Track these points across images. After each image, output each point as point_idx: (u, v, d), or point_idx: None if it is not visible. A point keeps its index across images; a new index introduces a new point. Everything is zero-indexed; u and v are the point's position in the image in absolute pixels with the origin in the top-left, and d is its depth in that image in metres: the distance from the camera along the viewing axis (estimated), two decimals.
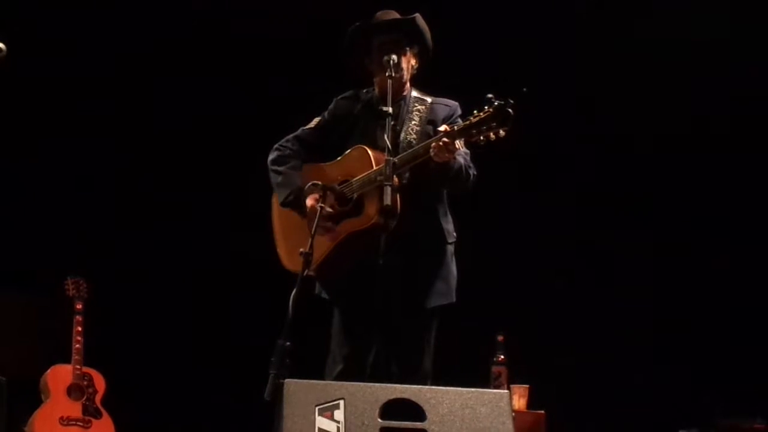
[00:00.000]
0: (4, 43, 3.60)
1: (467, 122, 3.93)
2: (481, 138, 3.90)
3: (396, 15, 4.29)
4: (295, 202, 4.25)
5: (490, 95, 3.88)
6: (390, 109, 4.03)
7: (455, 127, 3.96)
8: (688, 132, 6.10)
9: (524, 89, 3.85)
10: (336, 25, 4.52)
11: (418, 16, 4.27)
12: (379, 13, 4.30)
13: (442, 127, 4.00)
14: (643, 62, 6.13)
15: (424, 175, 4.14)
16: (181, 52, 6.50)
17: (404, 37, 4.24)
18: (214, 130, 6.54)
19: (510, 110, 3.84)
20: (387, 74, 4.10)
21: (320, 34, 5.75)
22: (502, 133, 3.87)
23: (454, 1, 6.01)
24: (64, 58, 6.37)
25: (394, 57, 4.13)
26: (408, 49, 4.25)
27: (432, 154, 3.96)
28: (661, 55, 6.10)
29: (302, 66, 6.35)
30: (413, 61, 4.29)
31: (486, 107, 3.89)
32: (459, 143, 3.98)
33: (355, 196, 4.14)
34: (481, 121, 3.89)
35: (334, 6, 5.84)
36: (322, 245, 4.12)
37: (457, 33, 5.59)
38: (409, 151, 4.08)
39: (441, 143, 3.92)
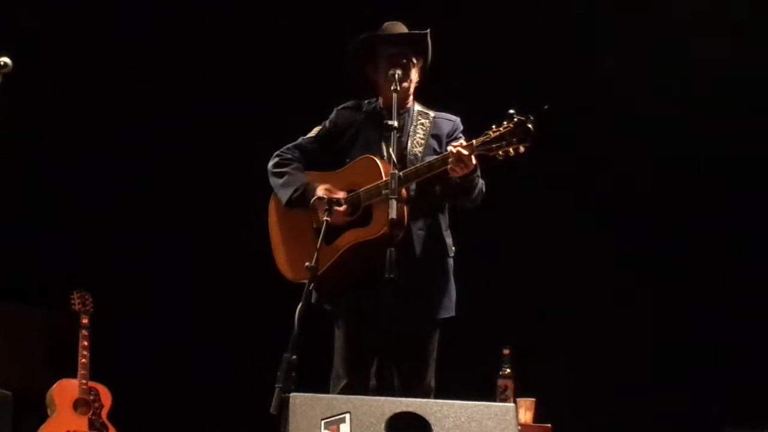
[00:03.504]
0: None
1: (486, 136, 3.94)
2: (500, 153, 3.91)
3: (403, 27, 4.30)
4: (300, 199, 4.23)
5: (511, 110, 3.89)
6: (395, 123, 4.03)
7: (474, 142, 3.97)
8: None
9: (546, 106, 3.85)
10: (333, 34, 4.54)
11: (428, 32, 4.28)
12: (387, 24, 4.31)
13: (458, 142, 4.00)
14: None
15: (431, 189, 4.17)
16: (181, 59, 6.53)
17: (412, 50, 4.26)
18: (219, 143, 6.55)
19: (530, 126, 3.85)
20: (392, 88, 4.10)
21: (318, 43, 5.81)
22: (522, 149, 3.89)
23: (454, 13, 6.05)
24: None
25: (399, 71, 4.13)
26: (414, 62, 4.26)
27: (449, 167, 3.96)
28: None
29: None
30: (417, 75, 4.29)
31: (506, 122, 3.90)
32: (474, 158, 3.97)
33: (363, 206, 4.14)
34: (501, 136, 3.90)
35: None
36: (326, 254, 4.09)
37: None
38: (412, 168, 4.09)
39: (458, 157, 3.93)
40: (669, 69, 6.09)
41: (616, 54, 6.09)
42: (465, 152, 3.93)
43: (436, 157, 4.12)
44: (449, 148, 4.04)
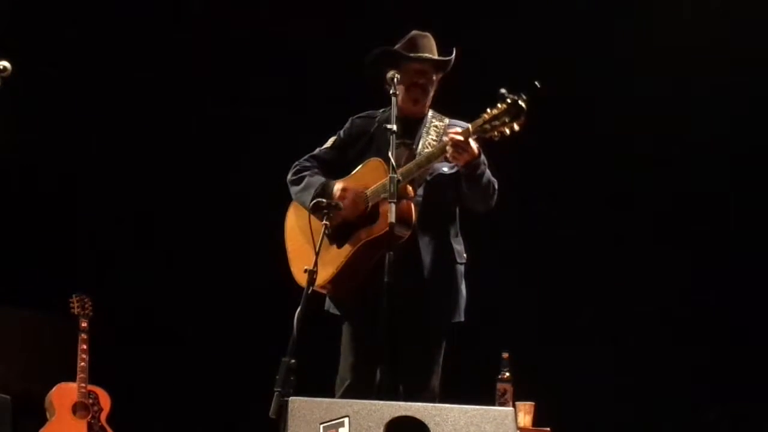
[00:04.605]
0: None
1: (482, 119, 3.97)
2: (496, 133, 3.94)
3: (430, 38, 4.31)
4: (321, 196, 4.19)
5: (502, 90, 3.93)
6: (394, 127, 4.04)
7: (469, 126, 4.00)
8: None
9: (536, 84, 3.88)
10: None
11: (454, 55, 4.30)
12: (415, 35, 4.31)
13: (454, 129, 4.04)
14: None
15: (439, 195, 4.20)
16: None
17: (435, 69, 4.29)
18: (222, 144, 6.56)
19: (523, 104, 3.89)
20: (391, 91, 4.11)
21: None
22: (516, 127, 3.92)
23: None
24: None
25: (398, 75, 4.14)
26: (435, 78, 4.31)
27: (449, 154, 3.99)
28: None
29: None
30: (436, 86, 4.34)
31: (499, 103, 3.94)
32: (474, 144, 4.00)
33: (370, 204, 4.15)
34: (495, 117, 3.93)
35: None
36: (338, 257, 4.14)
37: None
38: (411, 162, 4.11)
39: (454, 143, 3.96)
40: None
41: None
42: (460, 138, 3.97)
43: (424, 154, 4.15)
44: (446, 137, 4.08)
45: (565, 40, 6.10)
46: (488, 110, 3.96)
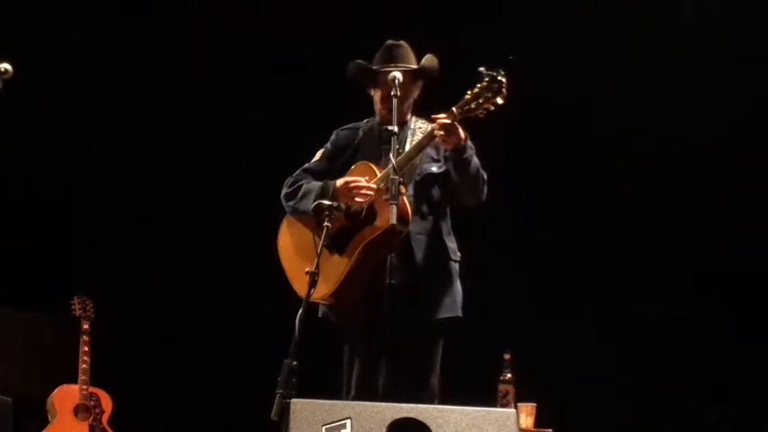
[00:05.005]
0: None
1: (464, 100, 4.03)
2: (481, 111, 4.01)
3: (404, 47, 4.31)
4: (323, 197, 4.19)
5: (480, 69, 4.01)
6: (395, 128, 4.05)
7: (454, 108, 4.04)
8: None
9: (510, 57, 3.93)
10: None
11: (427, 61, 4.29)
12: (388, 43, 4.32)
13: (442, 115, 4.06)
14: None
15: (429, 193, 4.23)
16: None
17: (409, 76, 4.27)
18: (222, 144, 6.57)
19: (502, 78, 3.97)
20: (392, 93, 4.12)
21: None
22: (500, 101, 3.99)
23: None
24: None
25: (399, 76, 4.14)
26: (413, 85, 4.30)
27: (438, 137, 4.04)
28: None
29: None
30: (417, 92, 4.33)
31: (479, 82, 4.01)
32: (462, 131, 4.04)
33: (366, 205, 4.15)
34: (477, 95, 4.01)
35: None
36: (340, 265, 4.14)
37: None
38: (402, 156, 4.11)
39: (442, 126, 4.00)
40: None
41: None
42: (447, 120, 4.01)
43: (413, 144, 4.18)
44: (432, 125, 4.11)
45: (565, 39, 6.10)
46: (469, 91, 4.03)
